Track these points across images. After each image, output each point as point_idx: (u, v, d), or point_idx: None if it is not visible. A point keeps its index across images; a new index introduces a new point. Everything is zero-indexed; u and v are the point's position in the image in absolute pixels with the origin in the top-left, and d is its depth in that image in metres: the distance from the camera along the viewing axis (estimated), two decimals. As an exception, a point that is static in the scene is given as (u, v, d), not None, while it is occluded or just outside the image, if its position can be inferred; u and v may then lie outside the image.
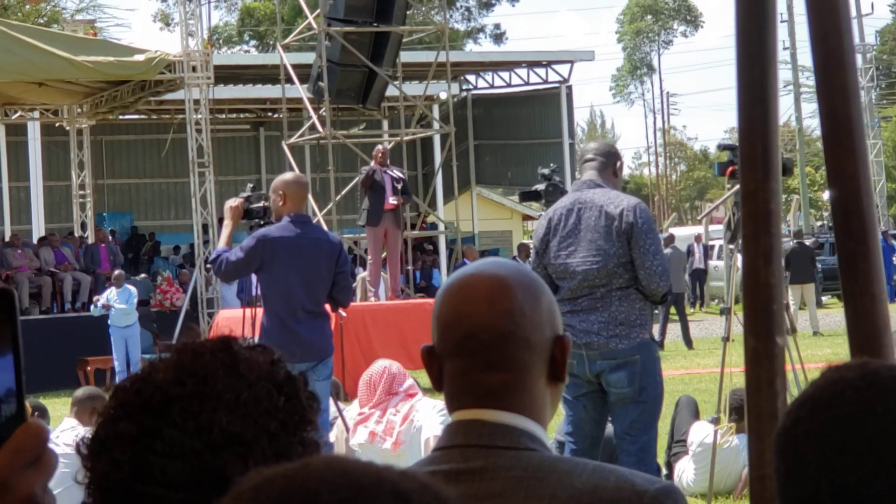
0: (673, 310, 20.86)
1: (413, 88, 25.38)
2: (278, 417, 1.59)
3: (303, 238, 7.55)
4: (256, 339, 7.79)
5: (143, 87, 21.22)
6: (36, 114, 24.31)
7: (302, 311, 7.50)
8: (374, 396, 7.38)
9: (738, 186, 8.73)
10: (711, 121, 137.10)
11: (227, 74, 26.48)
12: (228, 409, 1.57)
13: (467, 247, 23.15)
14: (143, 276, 23.55)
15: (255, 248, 7.53)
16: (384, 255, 16.57)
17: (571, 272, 6.09)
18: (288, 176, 7.88)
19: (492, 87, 31.95)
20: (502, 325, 1.85)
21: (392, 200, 15.95)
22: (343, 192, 20.44)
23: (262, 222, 8.30)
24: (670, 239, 22.71)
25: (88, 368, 18.24)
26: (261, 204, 8.48)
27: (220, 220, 20.64)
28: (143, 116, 30.40)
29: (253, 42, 51.83)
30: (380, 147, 16.84)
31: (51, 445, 1.22)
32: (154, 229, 30.37)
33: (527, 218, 41.90)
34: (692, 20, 68.98)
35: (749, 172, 2.13)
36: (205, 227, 20.86)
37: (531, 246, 6.53)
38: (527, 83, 30.71)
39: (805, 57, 42.31)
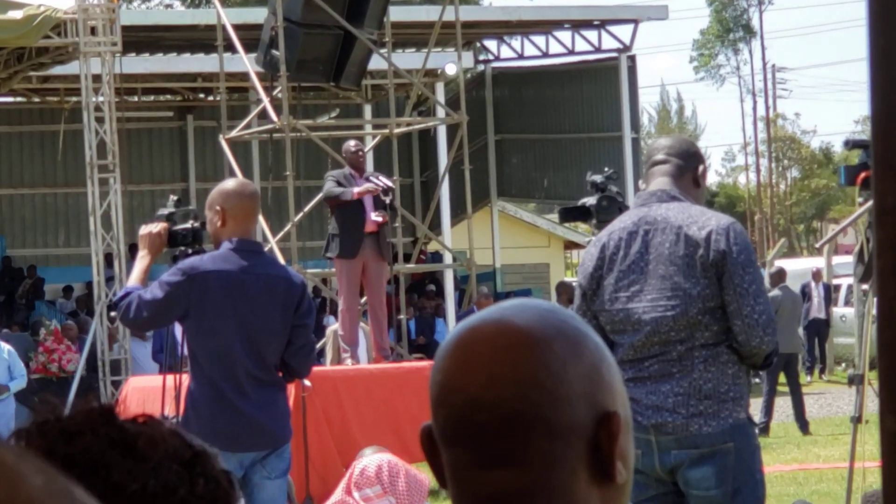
0: (782, 378, 20.85)
1: (408, 60, 25.43)
2: None
3: (249, 273, 7.56)
4: (180, 417, 7.78)
5: (21, 57, 21.27)
6: None
7: (247, 378, 7.50)
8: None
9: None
10: (836, 107, 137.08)
11: (140, 39, 26.57)
12: None
13: (481, 294, 22.95)
14: (18, 329, 23.56)
15: (181, 286, 7.54)
16: (364, 299, 16.56)
17: (635, 322, 6.09)
18: (229, 185, 7.91)
19: (520, 57, 32.02)
20: (508, 402, 1.82)
21: (375, 217, 15.74)
22: (307, 209, 20.45)
23: (190, 251, 8.31)
24: (780, 276, 22.67)
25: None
26: (188, 224, 8.50)
27: (132, 248, 20.41)
28: (20, 99, 30.49)
29: (178, -7, 52.04)
30: (352, 143, 16.49)
31: None
32: (36, 261, 30.42)
33: (570, 245, 41.92)
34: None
35: (887, 181, 2.14)
36: (108, 259, 20.85)
37: (576, 285, 6.53)
38: (571, 52, 30.78)
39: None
